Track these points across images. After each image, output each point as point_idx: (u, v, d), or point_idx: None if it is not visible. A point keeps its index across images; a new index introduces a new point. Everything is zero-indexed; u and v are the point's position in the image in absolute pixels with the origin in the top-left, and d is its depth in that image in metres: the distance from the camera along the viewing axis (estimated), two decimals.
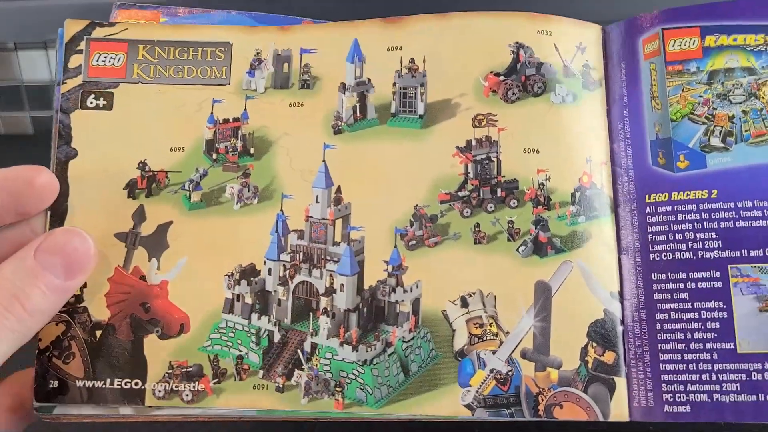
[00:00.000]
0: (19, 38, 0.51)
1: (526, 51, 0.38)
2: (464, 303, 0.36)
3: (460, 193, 0.38)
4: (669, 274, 0.35)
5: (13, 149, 0.43)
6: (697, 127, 0.36)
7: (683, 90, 0.36)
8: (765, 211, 0.34)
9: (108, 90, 0.39)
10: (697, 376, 0.33)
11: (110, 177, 0.39)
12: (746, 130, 0.35)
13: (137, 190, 0.39)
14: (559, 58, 0.39)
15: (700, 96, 0.36)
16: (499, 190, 0.38)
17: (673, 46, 0.37)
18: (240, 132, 0.40)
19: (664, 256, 0.35)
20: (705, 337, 0.34)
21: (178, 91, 0.40)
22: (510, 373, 0.36)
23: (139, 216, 0.39)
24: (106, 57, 0.40)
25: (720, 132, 0.35)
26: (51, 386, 0.36)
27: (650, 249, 0.35)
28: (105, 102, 0.40)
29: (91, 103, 0.40)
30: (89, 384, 0.37)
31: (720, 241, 0.34)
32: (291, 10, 0.43)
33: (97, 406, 0.36)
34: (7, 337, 0.32)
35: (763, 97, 0.35)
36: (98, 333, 0.37)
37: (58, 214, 0.38)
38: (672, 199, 0.35)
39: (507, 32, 0.39)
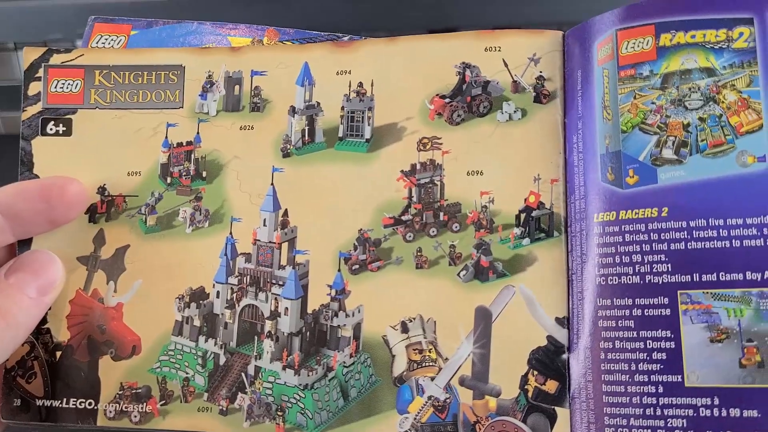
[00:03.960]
0: (19, 38, 0.55)
1: (473, 70, 0.40)
2: (404, 328, 0.38)
3: (403, 218, 0.40)
4: (614, 299, 0.35)
5: (13, 149, 0.48)
6: (648, 138, 0.36)
7: (635, 97, 0.36)
8: (720, 230, 0.34)
9: (67, 116, 0.44)
10: (641, 410, 0.34)
11: None
12: (702, 140, 0.35)
13: (98, 214, 0.43)
14: (507, 73, 0.40)
15: (653, 103, 0.36)
16: (441, 214, 0.39)
17: (627, 48, 0.37)
18: (193, 155, 0.43)
19: (610, 280, 0.35)
20: (650, 368, 0.34)
21: (134, 115, 0.44)
22: (448, 400, 0.37)
23: (99, 240, 0.43)
24: (64, 83, 0.44)
25: (673, 143, 0.35)
26: (15, 404, 0.41)
27: (596, 272, 0.35)
28: (64, 128, 0.44)
29: (51, 129, 0.44)
30: (48, 403, 0.41)
31: (669, 265, 0.34)
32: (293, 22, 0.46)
33: (53, 424, 0.40)
34: None
35: (722, 102, 0.35)
36: (58, 354, 0.42)
37: (24, 240, 0.42)
38: (620, 218, 0.35)
39: (454, 53, 0.41)
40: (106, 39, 0.49)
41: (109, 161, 0.45)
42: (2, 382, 0.43)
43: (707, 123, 0.36)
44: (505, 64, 0.41)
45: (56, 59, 0.46)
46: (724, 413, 0.33)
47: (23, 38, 0.48)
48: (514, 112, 0.41)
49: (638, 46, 0.37)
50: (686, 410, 0.34)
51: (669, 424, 0.34)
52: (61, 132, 0.45)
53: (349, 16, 0.56)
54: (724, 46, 0.36)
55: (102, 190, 0.44)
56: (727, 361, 0.34)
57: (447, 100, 0.41)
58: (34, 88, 0.46)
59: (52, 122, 0.45)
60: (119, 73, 0.45)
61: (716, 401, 0.33)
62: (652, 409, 0.34)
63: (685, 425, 0.34)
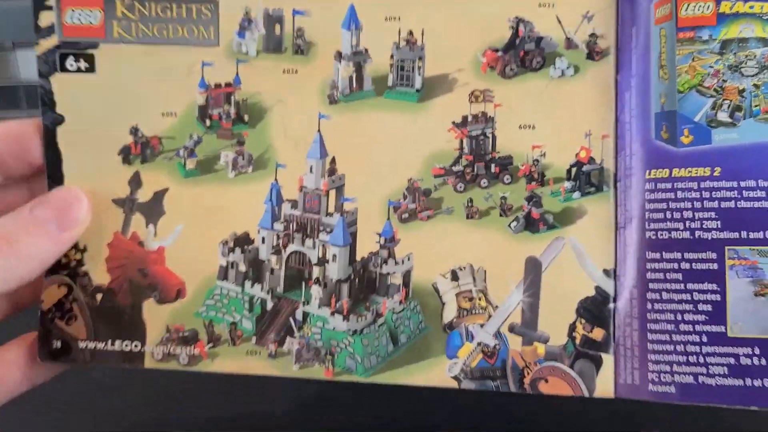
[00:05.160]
0: (17, 37, 0.53)
1: (526, 26, 0.40)
2: (454, 276, 0.39)
3: (454, 168, 0.40)
4: (663, 253, 0.36)
5: None
6: (704, 100, 0.37)
7: (693, 59, 0.37)
8: None
9: (88, 51, 0.41)
10: (685, 357, 0.36)
11: (102, 142, 0.42)
12: (756, 105, 0.36)
13: (131, 156, 0.42)
14: (561, 30, 0.39)
15: (711, 66, 0.37)
16: (493, 166, 0.40)
17: (686, 10, 0.37)
18: (233, 98, 0.42)
19: (660, 234, 0.36)
20: (696, 319, 0.35)
21: (165, 52, 0.42)
22: (497, 346, 0.38)
23: (136, 183, 0.42)
24: (81, 14, 0.42)
25: (728, 106, 0.36)
26: (55, 346, 0.41)
27: (646, 227, 0.37)
28: (87, 65, 0.41)
29: (71, 65, 0.42)
30: (92, 345, 0.41)
31: (719, 222, 0.36)
32: None
33: (99, 365, 0.40)
34: None
35: None
36: (99, 296, 0.41)
37: (55, 179, 0.41)
38: (673, 175, 0.36)
39: (507, 6, 0.40)
40: None
41: (140, 101, 0.43)
42: (39, 324, 0.42)
43: (761, 90, 0.37)
44: (559, 21, 0.41)
45: None
46: (763, 362, 0.35)
47: (21, 37, 0.46)
48: (567, 68, 0.40)
49: (698, 10, 0.37)
50: (728, 359, 0.36)
51: (710, 371, 0.36)
52: (83, 69, 0.42)
53: None
54: None
55: (134, 130, 0.43)
56: None
57: (500, 53, 0.41)
58: (46, 18, 0.42)
59: (72, 57, 0.42)
60: (144, 4, 0.42)
61: (757, 351, 0.36)
62: (695, 356, 0.36)
63: (726, 372, 0.36)
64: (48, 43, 0.42)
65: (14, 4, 0.52)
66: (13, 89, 0.57)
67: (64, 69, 0.42)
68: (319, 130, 0.42)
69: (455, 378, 0.40)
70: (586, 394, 0.39)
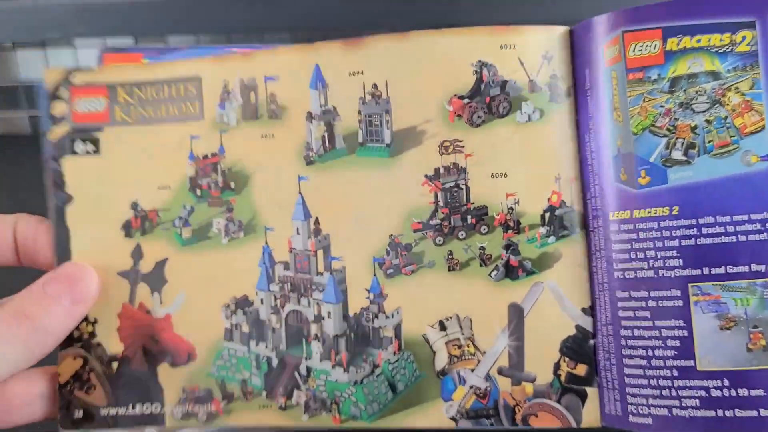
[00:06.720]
0: (18, 37, 0.63)
1: (489, 69, 0.48)
2: (442, 327, 0.49)
3: (431, 222, 0.50)
4: (631, 292, 0.46)
5: (11, 149, 0.57)
6: (658, 140, 0.46)
7: (644, 100, 0.45)
8: (726, 227, 0.44)
9: (94, 135, 0.53)
10: (658, 391, 0.46)
11: (106, 219, 0.54)
12: (709, 141, 0.45)
13: (132, 229, 0.53)
14: (524, 72, 0.48)
15: (662, 106, 0.45)
16: (469, 217, 0.50)
17: (634, 51, 0.46)
18: (219, 167, 0.53)
19: (627, 274, 0.46)
20: (665, 354, 0.45)
21: (158, 129, 0.54)
22: (488, 388, 0.49)
23: (138, 254, 0.54)
24: (88, 102, 0.53)
25: (682, 144, 0.45)
26: (76, 416, 0.53)
27: (615, 267, 0.46)
28: (94, 147, 0.53)
29: (80, 149, 0.54)
30: (113, 411, 0.53)
31: (681, 260, 0.45)
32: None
33: (123, 429, 0.53)
34: (18, 347, 0.50)
35: (727, 104, 0.44)
36: (114, 365, 0.54)
37: (62, 258, 0.53)
38: (634, 216, 0.46)
39: (469, 50, 0.49)
40: None
41: (138, 177, 0.55)
42: (57, 394, 0.55)
43: (713, 125, 0.46)
44: (521, 63, 0.49)
45: (79, 78, 0.55)
46: (733, 393, 0.45)
47: (21, 37, 0.56)
48: (533, 112, 0.50)
49: (646, 49, 0.46)
50: (699, 391, 0.46)
51: (683, 404, 0.46)
52: (90, 151, 0.54)
53: (350, 15, 0.62)
54: (728, 50, 0.45)
55: (135, 205, 0.54)
56: (735, 346, 0.45)
57: (466, 100, 0.50)
58: (59, 108, 0.55)
59: (80, 141, 0.54)
60: (141, 89, 0.54)
61: (726, 382, 0.45)
62: (668, 390, 0.47)
63: (698, 404, 0.46)
64: (60, 129, 0.56)
65: (14, 4, 0.62)
66: (13, 89, 0.69)
67: (73, 152, 0.55)
68: (300, 192, 0.52)
69: (452, 419, 0.51)
70: (574, 425, 0.49)
